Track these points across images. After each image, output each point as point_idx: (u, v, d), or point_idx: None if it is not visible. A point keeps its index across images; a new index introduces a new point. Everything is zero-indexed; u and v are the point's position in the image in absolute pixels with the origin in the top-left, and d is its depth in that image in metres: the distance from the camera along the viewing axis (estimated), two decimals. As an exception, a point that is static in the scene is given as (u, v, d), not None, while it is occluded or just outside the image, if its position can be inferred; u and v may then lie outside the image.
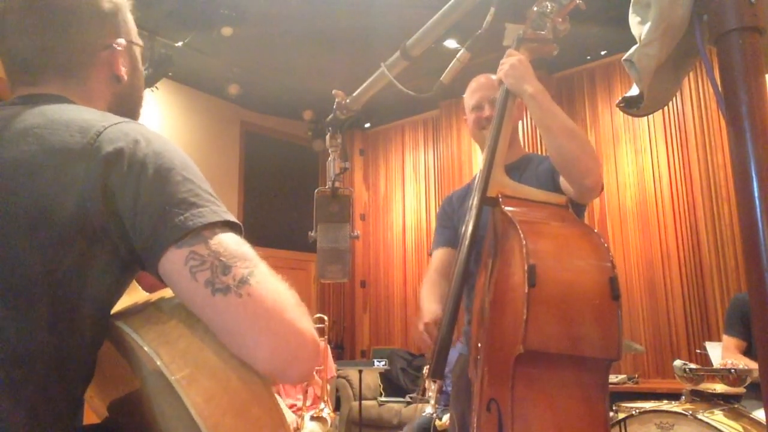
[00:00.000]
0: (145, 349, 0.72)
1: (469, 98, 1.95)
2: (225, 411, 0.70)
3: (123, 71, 0.94)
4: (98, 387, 0.88)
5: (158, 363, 0.71)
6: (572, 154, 1.55)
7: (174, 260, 0.73)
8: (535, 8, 1.58)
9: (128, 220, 0.75)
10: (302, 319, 0.75)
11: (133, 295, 0.88)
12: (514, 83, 1.57)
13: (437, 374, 1.39)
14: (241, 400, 0.72)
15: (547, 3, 1.56)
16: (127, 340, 0.75)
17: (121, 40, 0.94)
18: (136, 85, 0.99)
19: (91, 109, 0.85)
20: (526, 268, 1.24)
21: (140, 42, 1.00)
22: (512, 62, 1.57)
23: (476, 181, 1.54)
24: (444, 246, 1.97)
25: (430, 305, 1.72)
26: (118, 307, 0.83)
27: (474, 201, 1.49)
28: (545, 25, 1.57)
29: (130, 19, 0.98)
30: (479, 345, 1.47)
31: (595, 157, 1.60)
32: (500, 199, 1.45)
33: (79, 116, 0.80)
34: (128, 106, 0.97)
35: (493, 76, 1.75)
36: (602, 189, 1.64)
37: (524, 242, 1.27)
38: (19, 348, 0.71)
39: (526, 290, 1.22)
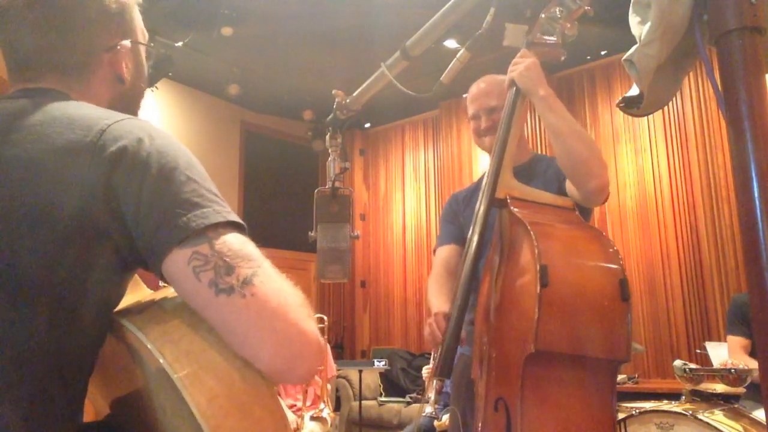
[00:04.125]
0: (149, 347, 0.72)
1: (468, 107, 1.97)
2: (227, 411, 0.70)
3: (126, 72, 0.93)
4: (101, 385, 0.88)
5: (161, 361, 0.70)
6: (580, 157, 1.57)
7: (177, 260, 0.73)
8: (544, 14, 1.59)
9: (131, 219, 0.74)
10: (306, 319, 0.75)
11: (137, 293, 0.88)
12: (529, 85, 1.58)
13: (445, 373, 1.39)
14: (244, 401, 0.72)
15: (556, 8, 1.56)
16: (131, 337, 0.75)
17: (126, 42, 0.92)
18: (137, 86, 0.98)
19: (93, 106, 0.84)
20: (538, 268, 1.24)
21: (146, 41, 0.98)
22: (527, 65, 1.58)
23: (483, 183, 1.55)
24: (449, 243, 1.97)
25: (440, 302, 1.72)
26: (121, 305, 0.83)
27: (481, 203, 1.50)
28: (554, 30, 1.58)
29: (137, 17, 0.96)
30: (484, 345, 1.47)
31: (603, 162, 1.63)
32: (508, 201, 1.46)
33: (83, 113, 0.79)
34: (128, 103, 0.96)
35: (501, 77, 1.75)
36: (608, 197, 1.65)
37: (536, 243, 1.28)
38: (19, 347, 0.71)
39: (539, 290, 1.23)
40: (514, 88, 1.60)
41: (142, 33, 0.98)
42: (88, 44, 0.88)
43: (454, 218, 2.01)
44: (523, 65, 1.58)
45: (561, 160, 1.62)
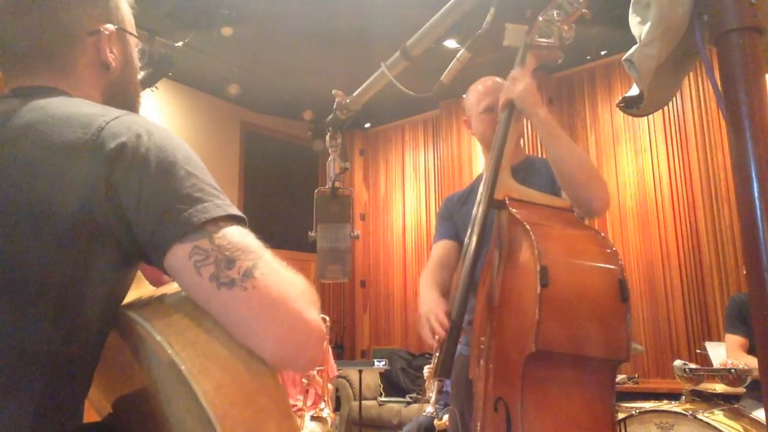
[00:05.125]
0: (158, 338, 0.73)
1: (480, 101, 1.94)
2: (233, 400, 0.71)
3: (111, 58, 0.92)
4: (102, 383, 0.88)
5: (169, 351, 0.71)
6: (581, 180, 1.58)
7: (179, 255, 0.73)
8: (541, 17, 1.59)
9: (132, 215, 0.74)
10: (308, 308, 0.76)
11: (140, 288, 0.88)
12: (528, 107, 1.59)
13: (445, 373, 1.39)
14: (249, 390, 0.73)
15: (554, 11, 1.56)
16: (138, 330, 0.76)
17: (110, 26, 0.91)
18: (128, 76, 0.97)
19: (91, 103, 0.84)
20: (538, 269, 1.25)
21: (135, 33, 0.97)
22: (526, 86, 1.58)
23: (481, 184, 1.55)
24: (445, 239, 1.98)
25: (430, 295, 1.71)
26: (124, 300, 0.83)
27: (480, 205, 1.50)
28: (552, 32, 1.58)
29: (124, 8, 0.96)
30: (482, 345, 1.47)
31: (603, 181, 1.64)
32: (507, 202, 1.47)
33: (80, 111, 0.79)
34: (123, 98, 0.95)
35: (498, 79, 1.75)
36: (608, 206, 1.67)
37: (535, 244, 1.29)
38: (24, 346, 0.71)
39: (539, 291, 1.23)
40: (509, 109, 1.60)
41: (130, 25, 0.97)
42: (69, 26, 0.88)
43: (449, 215, 2.03)
44: (521, 86, 1.58)
45: (563, 183, 1.63)
